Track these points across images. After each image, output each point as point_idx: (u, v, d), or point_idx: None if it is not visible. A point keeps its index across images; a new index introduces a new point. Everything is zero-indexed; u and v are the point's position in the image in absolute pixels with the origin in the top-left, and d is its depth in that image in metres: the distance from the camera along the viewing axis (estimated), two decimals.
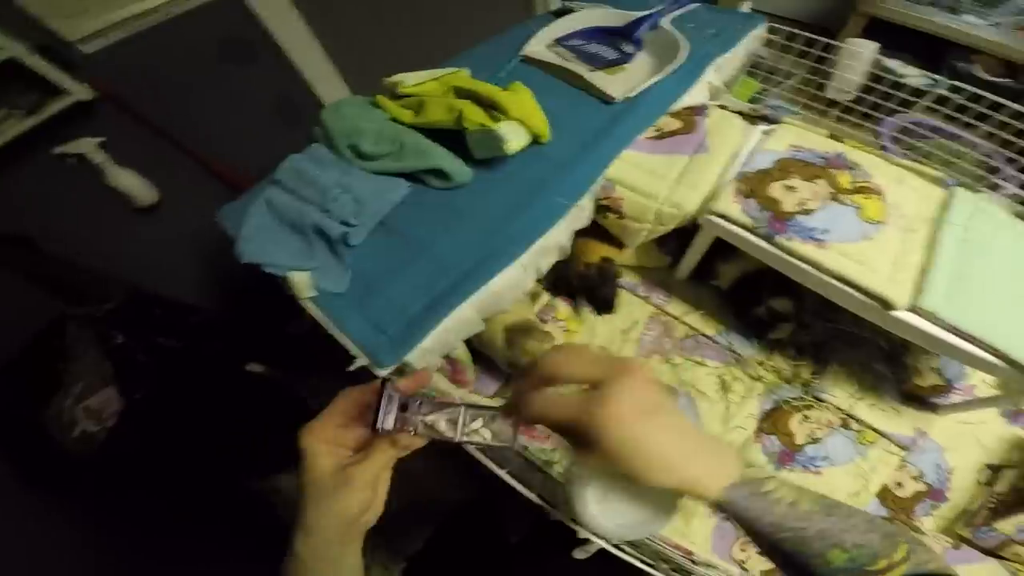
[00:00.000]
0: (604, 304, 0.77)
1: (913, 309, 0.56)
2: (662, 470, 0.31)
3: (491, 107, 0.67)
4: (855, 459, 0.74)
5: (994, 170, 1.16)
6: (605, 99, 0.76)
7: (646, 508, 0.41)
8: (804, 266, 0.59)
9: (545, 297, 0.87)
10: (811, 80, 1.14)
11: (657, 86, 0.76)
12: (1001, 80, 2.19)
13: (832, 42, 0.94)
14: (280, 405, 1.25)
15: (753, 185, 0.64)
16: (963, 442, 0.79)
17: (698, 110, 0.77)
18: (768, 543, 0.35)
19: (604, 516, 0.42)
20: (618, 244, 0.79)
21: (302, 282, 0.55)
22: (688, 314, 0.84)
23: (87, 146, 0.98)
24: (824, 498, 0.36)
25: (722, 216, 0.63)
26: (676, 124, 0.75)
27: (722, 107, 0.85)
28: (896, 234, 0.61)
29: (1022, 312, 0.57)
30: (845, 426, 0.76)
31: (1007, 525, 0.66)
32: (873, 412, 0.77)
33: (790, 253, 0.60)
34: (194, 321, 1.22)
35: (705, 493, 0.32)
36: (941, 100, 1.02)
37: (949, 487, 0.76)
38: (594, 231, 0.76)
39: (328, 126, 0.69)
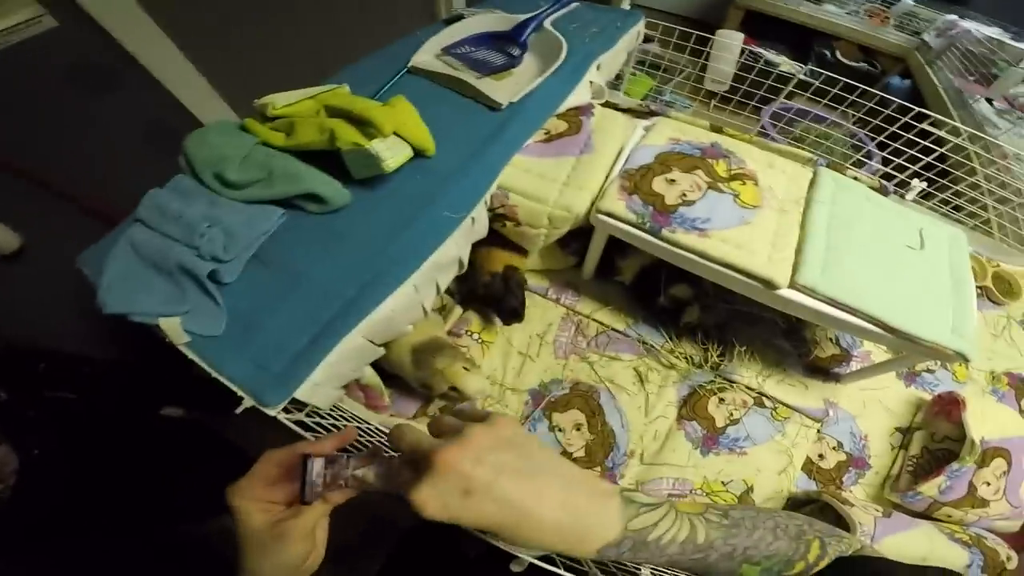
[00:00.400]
0: (511, 313, 0.75)
1: (793, 286, 0.59)
2: (528, 529, 0.29)
3: (366, 124, 0.63)
4: (775, 436, 0.78)
5: (860, 147, 1.28)
6: (492, 105, 0.75)
7: None
8: (690, 255, 0.61)
9: (457, 311, 0.84)
10: (701, 75, 1.20)
11: (542, 88, 0.76)
12: (857, 64, 2.46)
13: (704, 34, 0.99)
14: (206, 447, 1.23)
15: (636, 181, 0.65)
16: (871, 408, 0.85)
17: (583, 110, 0.78)
18: (672, 572, 0.35)
19: None
20: (521, 251, 0.78)
21: (174, 329, 0.50)
22: (598, 311, 0.84)
23: None
24: (727, 515, 0.35)
25: (609, 214, 0.64)
26: (563, 125, 0.76)
27: (611, 105, 0.87)
28: (772, 216, 0.64)
29: (890, 279, 0.62)
30: (759, 404, 0.80)
31: (929, 487, 0.70)
32: (782, 387, 0.80)
33: (676, 245, 0.61)
34: (87, 371, 1.16)
35: (579, 553, 0.31)
36: (815, 87, 1.09)
37: (868, 454, 0.81)
38: (496, 239, 0.75)
39: (191, 155, 0.63)
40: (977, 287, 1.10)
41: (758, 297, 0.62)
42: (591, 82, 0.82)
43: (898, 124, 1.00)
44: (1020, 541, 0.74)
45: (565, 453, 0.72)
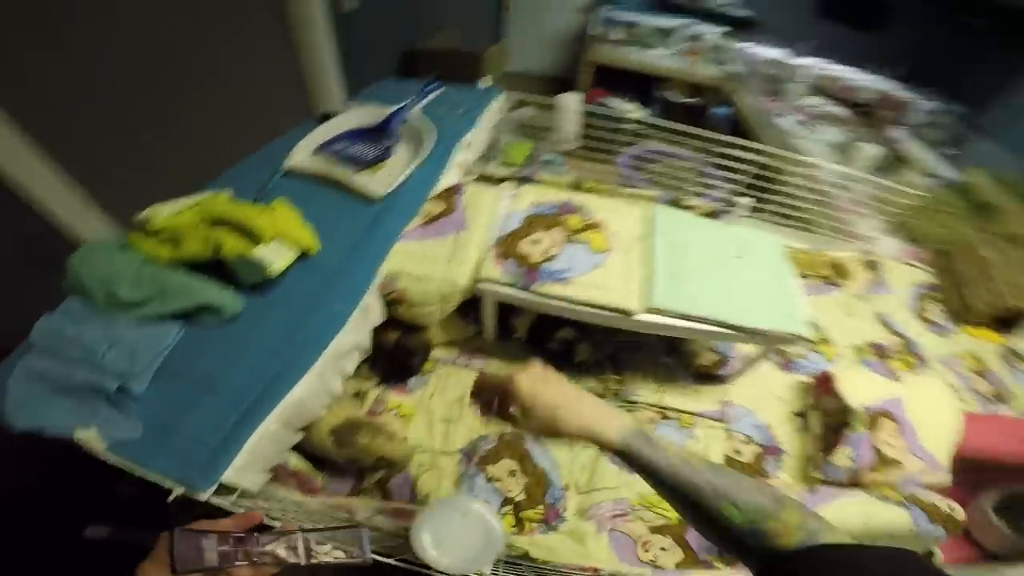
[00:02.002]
0: (411, 372, 0.82)
1: (647, 310, 0.73)
2: (565, 419, 0.47)
3: (248, 232, 0.69)
4: (687, 442, 0.89)
5: (705, 175, 1.56)
6: (369, 199, 0.84)
7: (470, 550, 0.57)
8: (559, 303, 0.74)
9: (373, 393, 0.89)
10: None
11: (415, 175, 0.88)
12: (689, 100, 3.00)
13: (543, 101, 1.19)
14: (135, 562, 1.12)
15: (507, 247, 0.78)
16: (764, 400, 0.99)
17: (456, 189, 0.91)
18: (669, 491, 0.43)
19: (441, 556, 0.56)
20: (416, 329, 0.86)
21: (91, 438, 0.52)
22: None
23: None
24: (714, 463, 0.43)
25: (488, 280, 0.75)
26: (439, 207, 0.88)
27: (487, 177, 1.00)
28: (620, 256, 0.80)
29: (726, 288, 0.79)
30: (664, 417, 0.92)
31: (840, 457, 0.81)
32: (679, 399, 0.94)
33: (545, 296, 0.74)
34: None
35: (605, 435, 0.45)
36: (660, 127, 1.32)
37: (778, 441, 0.93)
38: (395, 321, 0.82)
39: (79, 275, 0.64)
40: (818, 276, 1.38)
41: (622, 325, 0.75)
42: (461, 162, 0.96)
43: (717, 152, 1.25)
44: (958, 495, 0.85)
45: (507, 499, 0.77)
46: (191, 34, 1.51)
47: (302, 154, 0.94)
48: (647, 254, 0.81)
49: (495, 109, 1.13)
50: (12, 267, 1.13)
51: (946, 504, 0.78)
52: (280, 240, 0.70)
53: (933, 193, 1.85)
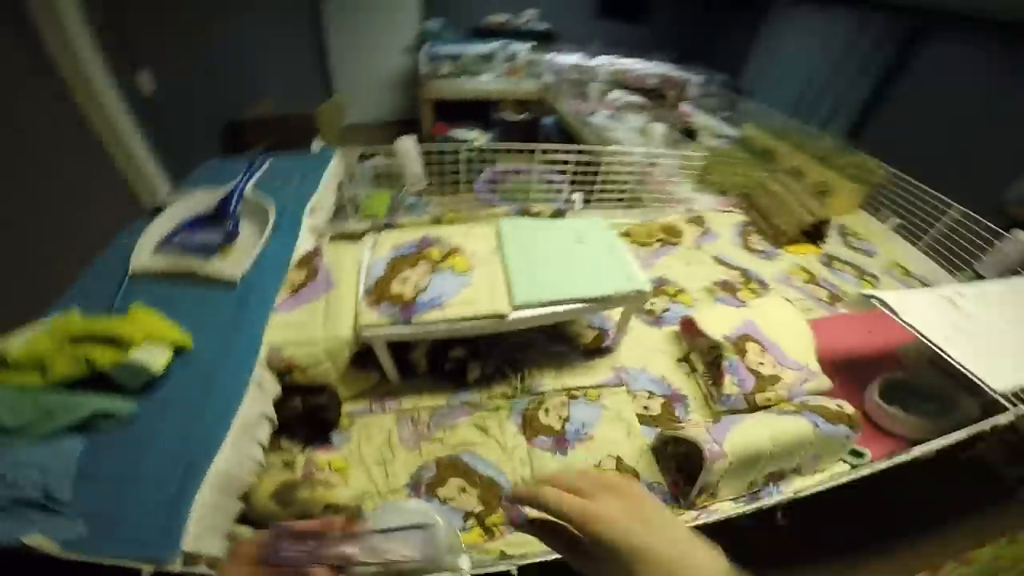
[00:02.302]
0: (328, 425, 0.86)
1: (516, 308, 0.85)
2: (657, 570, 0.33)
3: (116, 341, 0.67)
4: (601, 413, 1.00)
5: (552, 182, 1.76)
6: (228, 283, 0.85)
7: None
8: (440, 326, 0.82)
9: (301, 459, 0.88)
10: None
11: (268, 250, 0.90)
12: (520, 117, 3.33)
13: (387, 149, 1.28)
14: None
15: (378, 292, 0.85)
16: (649, 357, 1.14)
17: (314, 253, 0.95)
18: None
19: None
20: (319, 389, 0.87)
21: (41, 541, 0.53)
22: (420, 401, 0.99)
23: None
24: None
25: (370, 326, 0.80)
26: (302, 274, 0.91)
27: (348, 235, 1.04)
28: (482, 271, 0.91)
29: (572, 271, 0.93)
30: (573, 397, 1.02)
31: (728, 386, 0.93)
32: (579, 377, 1.06)
33: (427, 324, 0.81)
34: None
35: None
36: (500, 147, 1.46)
37: (676, 388, 1.06)
38: (297, 387, 0.83)
39: None
40: (656, 240, 1.63)
41: (500, 328, 0.86)
42: (312, 227, 0.99)
43: (549, 160, 1.43)
44: (844, 394, 0.95)
45: (468, 513, 0.81)
46: None
47: (144, 254, 0.92)
48: (503, 262, 0.93)
49: (334, 168, 1.19)
50: None
51: (834, 403, 0.87)
52: (151, 341, 0.70)
53: (721, 151, 2.30)
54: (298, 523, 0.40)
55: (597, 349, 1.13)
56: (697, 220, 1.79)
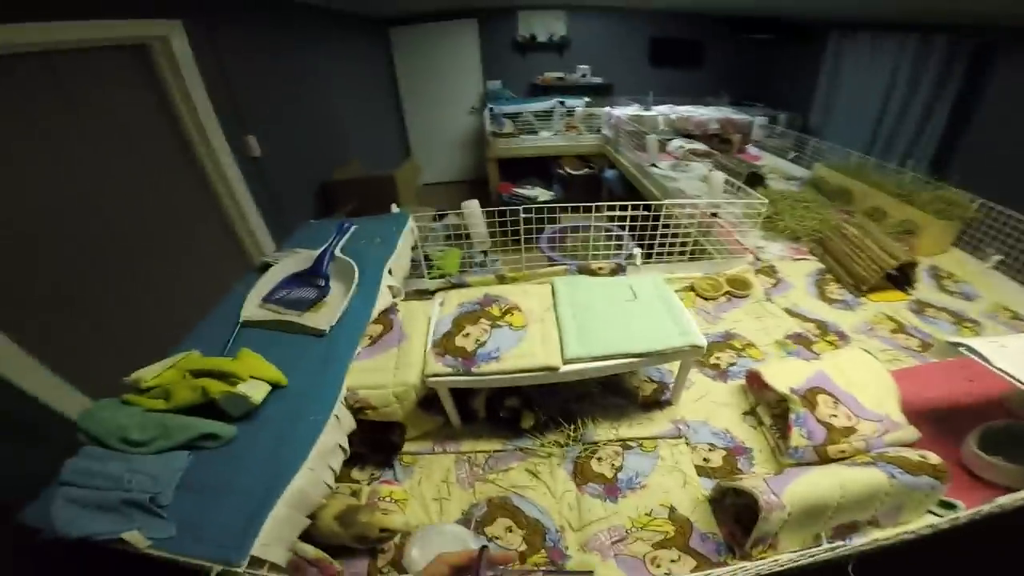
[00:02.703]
0: (394, 447, 0.99)
1: (567, 362, 0.91)
2: None
3: (227, 376, 0.84)
4: (656, 463, 1.00)
5: (619, 237, 1.82)
6: (318, 334, 1.00)
7: None
8: (495, 377, 0.91)
9: (367, 490, 0.98)
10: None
11: (352, 305, 1.05)
12: (581, 171, 3.46)
13: (447, 212, 1.42)
14: None
15: (444, 345, 0.96)
16: (713, 410, 1.13)
17: (390, 310, 1.09)
18: None
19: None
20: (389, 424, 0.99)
21: (136, 538, 0.65)
22: (477, 444, 1.07)
23: None
24: None
25: (434, 375, 0.91)
26: (379, 327, 1.05)
27: (420, 293, 1.18)
28: (536, 327, 0.99)
29: (625, 326, 0.98)
30: (627, 447, 1.04)
31: (796, 439, 0.91)
32: (635, 428, 1.08)
33: (483, 374, 0.91)
34: None
35: None
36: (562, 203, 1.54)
37: (740, 441, 1.05)
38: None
39: (91, 431, 0.79)
40: (723, 294, 1.61)
41: (552, 380, 0.92)
42: (388, 287, 1.14)
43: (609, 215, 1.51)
44: (938, 445, 0.90)
45: (513, 550, 0.85)
46: (129, 213, 1.69)
47: (252, 306, 1.10)
48: (556, 319, 1.00)
49: (407, 231, 1.35)
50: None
51: (916, 454, 0.81)
52: (254, 378, 0.86)
53: (790, 194, 2.24)
54: (496, 553, 0.46)
55: (656, 402, 1.14)
56: (767, 270, 1.74)
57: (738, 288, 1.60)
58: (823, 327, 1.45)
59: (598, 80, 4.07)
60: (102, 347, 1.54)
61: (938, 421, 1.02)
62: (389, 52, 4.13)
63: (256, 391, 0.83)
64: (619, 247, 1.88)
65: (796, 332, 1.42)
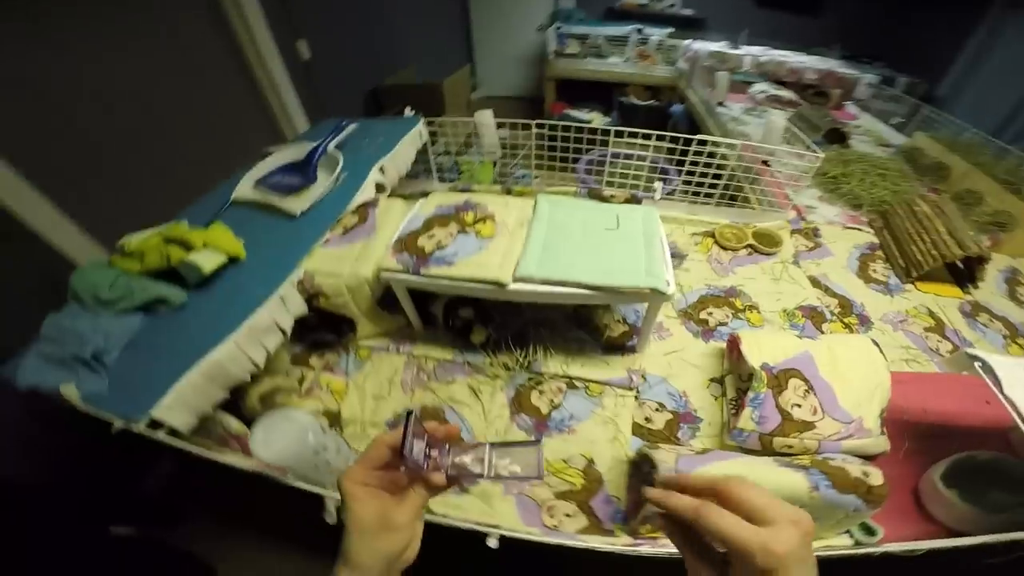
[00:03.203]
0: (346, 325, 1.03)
1: (516, 280, 0.88)
2: None
3: (186, 244, 0.89)
4: (595, 410, 0.99)
5: (664, 171, 1.68)
6: (290, 217, 1.03)
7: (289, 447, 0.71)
8: (443, 281, 0.90)
9: (311, 375, 1.06)
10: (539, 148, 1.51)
11: (330, 196, 1.06)
12: (647, 102, 3.16)
13: (468, 120, 1.37)
14: (168, 561, 1.35)
15: (406, 243, 0.95)
16: (677, 368, 1.07)
17: (370, 204, 1.09)
18: None
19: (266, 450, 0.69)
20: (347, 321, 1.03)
21: (71, 391, 0.73)
22: (430, 351, 1.09)
23: None
24: None
25: (386, 269, 0.92)
26: (355, 219, 1.06)
27: (425, 194, 1.16)
28: (503, 240, 0.95)
29: (592, 255, 0.92)
30: (572, 387, 1.03)
31: (744, 421, 0.82)
32: (587, 369, 1.05)
33: (431, 277, 0.90)
34: (30, 496, 1.19)
35: None
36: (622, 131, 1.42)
37: (693, 408, 0.99)
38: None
39: (75, 287, 0.88)
40: (744, 246, 1.47)
41: (499, 296, 0.90)
42: (376, 183, 1.13)
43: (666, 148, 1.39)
44: (911, 464, 0.83)
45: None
46: (177, 108, 1.79)
47: (244, 187, 1.15)
48: (526, 235, 0.96)
49: (414, 135, 1.32)
50: (39, 300, 1.36)
51: (860, 470, 0.71)
52: (212, 248, 0.91)
53: (870, 158, 1.95)
54: (428, 424, 0.43)
55: (620, 346, 1.10)
56: (808, 232, 1.56)
57: (764, 244, 1.46)
58: (847, 306, 1.30)
59: (688, 12, 3.60)
60: (133, 217, 1.67)
61: (926, 438, 0.90)
62: None
63: (208, 261, 0.87)
64: (663, 181, 1.74)
65: (811, 305, 1.27)
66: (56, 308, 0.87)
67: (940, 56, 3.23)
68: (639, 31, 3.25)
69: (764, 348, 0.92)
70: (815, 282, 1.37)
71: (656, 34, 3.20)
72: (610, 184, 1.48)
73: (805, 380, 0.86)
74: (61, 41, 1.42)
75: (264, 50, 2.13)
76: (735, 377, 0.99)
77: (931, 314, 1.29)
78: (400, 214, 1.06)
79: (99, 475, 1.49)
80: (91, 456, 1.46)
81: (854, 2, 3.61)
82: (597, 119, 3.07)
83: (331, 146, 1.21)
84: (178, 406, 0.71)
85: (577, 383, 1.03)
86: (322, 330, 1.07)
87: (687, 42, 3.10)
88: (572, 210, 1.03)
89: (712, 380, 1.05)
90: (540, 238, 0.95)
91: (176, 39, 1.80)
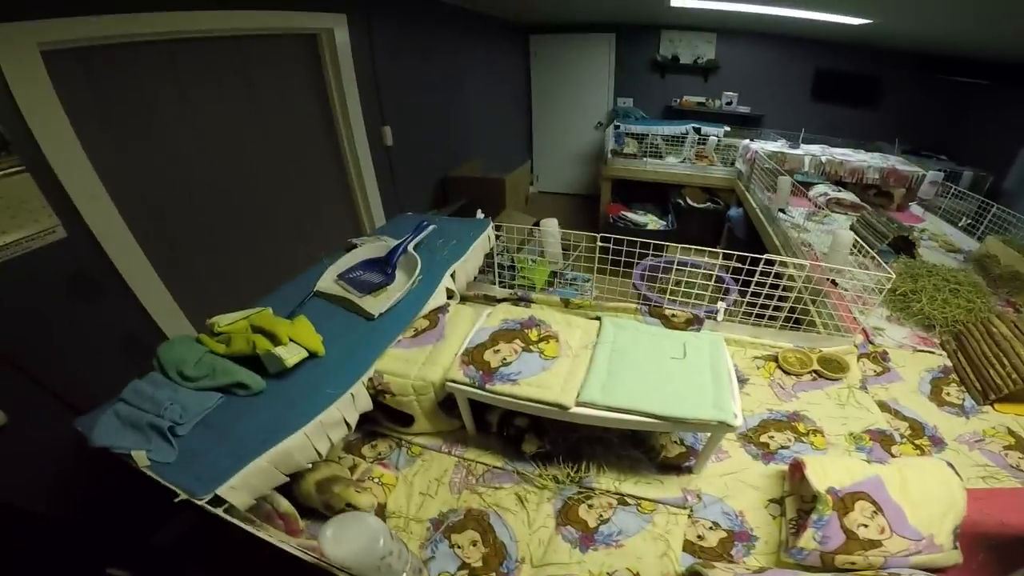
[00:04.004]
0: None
1: (579, 404, 0.91)
2: None
3: (273, 336, 0.98)
4: (645, 527, 0.97)
5: (720, 279, 1.69)
6: (368, 317, 1.13)
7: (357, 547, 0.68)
8: (506, 399, 0.94)
9: (364, 466, 1.09)
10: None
11: (405, 300, 1.16)
12: (703, 204, 3.23)
13: (533, 227, 1.47)
14: None
15: (473, 356, 1.02)
16: (735, 489, 1.06)
17: (441, 309, 1.18)
18: None
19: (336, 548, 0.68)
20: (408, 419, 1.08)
21: (140, 456, 0.77)
22: (482, 456, 1.11)
23: None
24: None
25: (453, 380, 0.98)
26: (426, 323, 1.14)
27: (489, 298, 1.25)
28: (566, 362, 1.00)
29: (657, 384, 0.95)
30: (623, 503, 1.01)
31: (806, 540, 0.84)
32: (640, 487, 1.04)
33: (495, 392, 0.95)
34: (42, 526, 1.29)
35: None
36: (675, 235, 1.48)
37: (750, 527, 0.98)
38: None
39: (162, 359, 0.97)
40: (809, 371, 1.44)
41: (560, 417, 0.92)
42: (447, 288, 1.23)
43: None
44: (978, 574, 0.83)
45: (464, 563, 0.89)
46: (273, 177, 2.05)
47: (327, 280, 1.27)
48: (589, 360, 1.00)
49: (484, 239, 1.43)
50: (117, 351, 1.52)
51: None
52: (295, 343, 0.99)
53: (940, 270, 1.88)
54: None
55: (676, 466, 1.08)
56: (876, 357, 1.51)
57: (829, 369, 1.41)
58: (919, 429, 1.25)
59: (745, 110, 3.77)
60: (219, 287, 1.87)
61: (1001, 548, 0.88)
62: (527, 58, 4.29)
63: (291, 355, 0.95)
64: (721, 296, 1.75)
65: (879, 429, 1.22)
66: (131, 367, 0.96)
67: (1004, 148, 3.16)
68: (697, 130, 3.40)
69: (830, 472, 0.92)
70: (884, 406, 1.32)
71: (714, 133, 3.33)
72: (663, 291, 1.51)
73: (873, 502, 0.86)
74: (197, 109, 1.67)
75: (356, 133, 2.41)
76: (796, 498, 0.98)
77: (1011, 432, 1.23)
78: (467, 321, 1.14)
79: (114, 514, 1.53)
80: (113, 493, 1.52)
81: (912, 94, 3.65)
82: (652, 221, 3.16)
83: (411, 247, 1.32)
84: (242, 487, 0.76)
85: (629, 500, 1.02)
86: (380, 420, 1.13)
87: (744, 142, 3.20)
88: (637, 334, 1.08)
89: (771, 501, 1.03)
90: (604, 362, 0.99)
91: (290, 116, 2.08)
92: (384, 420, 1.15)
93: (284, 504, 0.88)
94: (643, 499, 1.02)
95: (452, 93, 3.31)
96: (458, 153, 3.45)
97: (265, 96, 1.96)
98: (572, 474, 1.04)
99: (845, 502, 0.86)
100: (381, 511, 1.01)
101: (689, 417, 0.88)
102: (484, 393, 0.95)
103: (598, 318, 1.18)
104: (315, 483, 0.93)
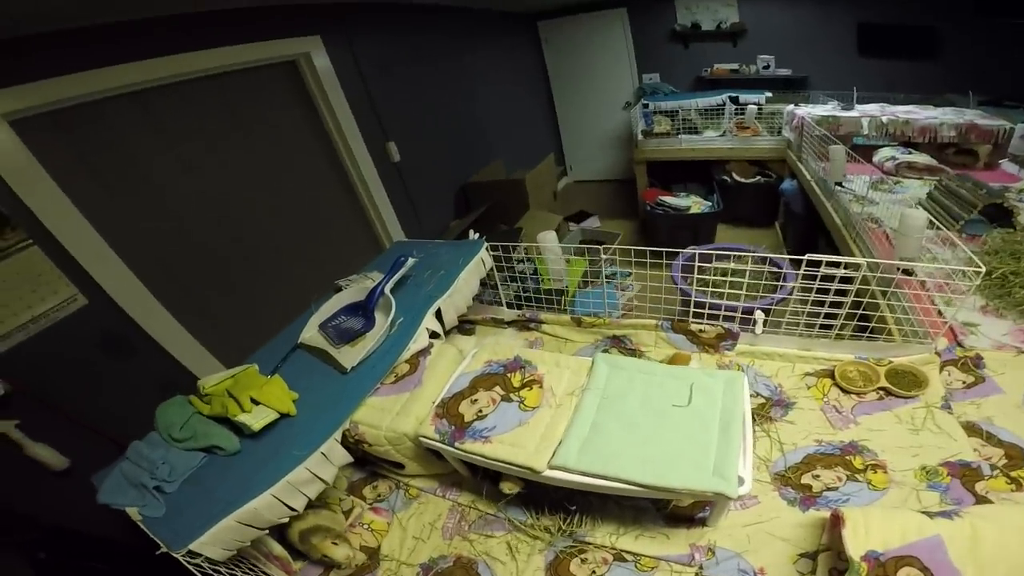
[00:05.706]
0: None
1: (552, 468, 0.83)
2: None
3: (240, 402, 1.01)
4: None
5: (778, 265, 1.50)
6: (341, 371, 1.11)
7: None
8: (476, 458, 0.89)
9: (357, 510, 1.11)
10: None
11: (380, 348, 1.13)
12: (752, 179, 2.94)
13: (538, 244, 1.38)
14: None
15: (448, 407, 0.97)
16: (758, 542, 0.93)
17: (423, 352, 1.14)
18: None
19: None
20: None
21: (133, 512, 0.88)
22: (476, 501, 1.08)
23: (5, 427, 1.35)
24: None
25: (423, 437, 0.95)
26: (406, 368, 1.10)
27: (497, 321, 1.17)
28: (547, 413, 0.92)
29: (648, 443, 0.85)
30: (620, 559, 0.93)
31: None
32: (641, 542, 0.94)
33: (466, 451, 0.89)
34: (122, 550, 1.43)
35: None
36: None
37: None
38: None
39: (157, 421, 1.05)
40: (875, 389, 1.19)
41: (530, 478, 0.86)
42: (428, 329, 1.18)
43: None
44: None
45: None
46: (279, 212, 2.11)
47: (311, 330, 1.25)
48: (573, 410, 0.92)
49: (476, 262, 1.36)
50: (158, 396, 1.65)
51: None
52: (265, 405, 1.01)
53: None
54: None
55: (688, 517, 0.96)
56: (967, 363, 1.24)
57: (902, 386, 1.17)
58: (1018, 457, 1.01)
59: (786, 72, 3.39)
60: (241, 325, 1.95)
61: None
62: (539, 46, 4.13)
63: (257, 420, 0.97)
64: (780, 283, 1.56)
65: (963, 460, 1.01)
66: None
67: None
68: (734, 99, 3.12)
69: (874, 530, 0.77)
70: (973, 429, 1.09)
71: (754, 101, 3.04)
72: (704, 286, 1.35)
73: (924, 568, 0.72)
74: (185, 153, 1.74)
75: (358, 153, 2.42)
76: (832, 555, 0.83)
77: None
78: (451, 364, 1.09)
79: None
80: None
81: (976, 42, 3.12)
82: (696, 203, 2.92)
83: (387, 288, 1.26)
84: (213, 543, 0.81)
85: (627, 556, 0.93)
86: (378, 462, 1.13)
87: (789, 107, 2.89)
88: (630, 378, 0.97)
89: (802, 555, 0.89)
90: (590, 414, 0.90)
91: (284, 146, 2.13)
92: (381, 462, 1.15)
93: (276, 548, 0.94)
94: (643, 555, 0.93)
95: (460, 97, 3.26)
96: (477, 158, 3.40)
97: (255, 130, 2.01)
98: (564, 526, 0.97)
99: (886, 568, 0.73)
100: (375, 554, 1.04)
101: (679, 487, 0.78)
102: (452, 450, 0.90)
103: (606, 349, 1.08)
104: (299, 532, 0.97)
